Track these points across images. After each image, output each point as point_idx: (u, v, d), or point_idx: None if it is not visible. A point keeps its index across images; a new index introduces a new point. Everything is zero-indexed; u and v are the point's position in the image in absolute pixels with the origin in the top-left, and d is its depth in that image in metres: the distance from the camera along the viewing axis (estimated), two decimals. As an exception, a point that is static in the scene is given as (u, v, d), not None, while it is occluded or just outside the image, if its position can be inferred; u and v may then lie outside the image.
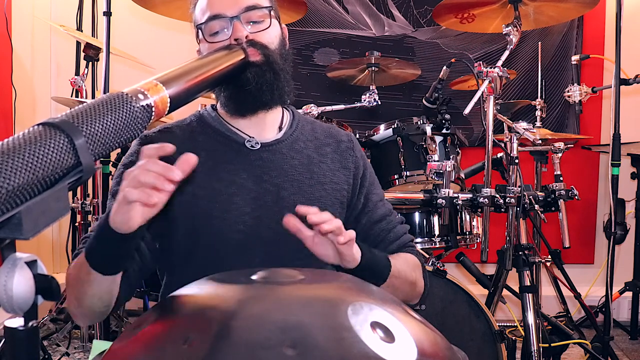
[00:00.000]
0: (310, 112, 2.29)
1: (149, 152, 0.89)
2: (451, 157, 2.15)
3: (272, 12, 1.25)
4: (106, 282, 1.02)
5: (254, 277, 0.80)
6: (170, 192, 0.88)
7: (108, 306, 1.10)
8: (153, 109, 0.87)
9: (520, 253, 2.01)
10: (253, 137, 1.27)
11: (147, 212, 0.89)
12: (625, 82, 2.47)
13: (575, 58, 2.75)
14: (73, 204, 2.79)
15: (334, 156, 1.35)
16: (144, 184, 0.86)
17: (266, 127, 1.29)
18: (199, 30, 1.24)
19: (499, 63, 1.99)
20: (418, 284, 1.31)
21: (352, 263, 1.10)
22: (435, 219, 2.27)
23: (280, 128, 1.32)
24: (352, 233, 1.06)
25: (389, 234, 1.35)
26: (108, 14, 2.31)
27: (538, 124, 2.69)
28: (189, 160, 0.89)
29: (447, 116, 2.14)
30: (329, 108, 2.36)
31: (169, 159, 1.22)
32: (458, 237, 2.25)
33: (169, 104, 0.92)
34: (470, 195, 1.96)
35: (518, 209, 1.95)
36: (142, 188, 0.86)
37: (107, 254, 0.97)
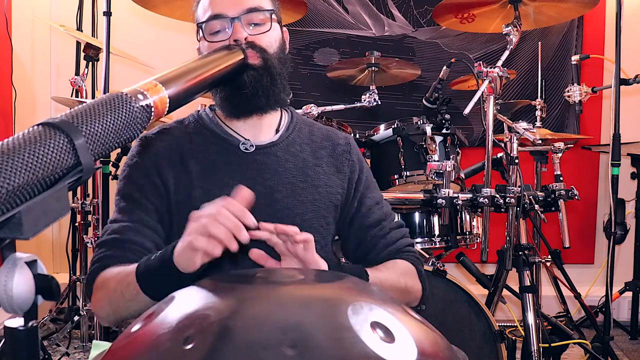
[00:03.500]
0: (310, 112, 2.29)
1: (229, 206, 0.93)
2: (451, 157, 2.15)
3: (273, 16, 1.25)
4: (151, 302, 1.05)
5: (253, 277, 0.80)
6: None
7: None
8: (152, 109, 0.87)
9: (520, 253, 2.01)
10: (248, 140, 1.27)
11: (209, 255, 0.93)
12: (625, 82, 2.47)
13: (575, 58, 2.74)
14: (73, 204, 2.79)
15: (330, 160, 1.35)
16: (212, 236, 0.90)
17: (263, 129, 1.30)
18: (200, 29, 1.25)
19: (499, 63, 1.99)
20: (411, 290, 1.31)
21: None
22: (435, 219, 2.27)
23: (277, 130, 1.32)
24: (308, 235, 1.06)
25: (380, 240, 1.34)
26: (108, 14, 2.31)
27: (538, 124, 2.69)
28: (247, 196, 0.95)
29: (447, 116, 2.14)
30: (329, 108, 2.36)
31: (165, 158, 1.23)
32: (458, 237, 2.25)
33: (168, 104, 0.92)
34: (470, 195, 1.96)
35: (518, 209, 1.95)
36: (210, 239, 0.90)
37: (165, 285, 1.00)
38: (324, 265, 1.09)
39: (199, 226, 0.92)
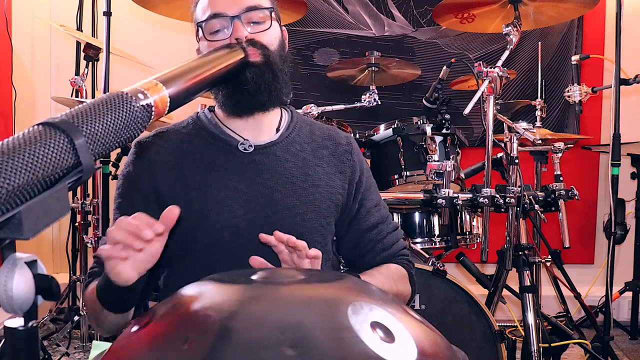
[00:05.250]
0: (310, 112, 2.29)
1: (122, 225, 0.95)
2: (451, 157, 2.15)
3: (272, 14, 1.25)
4: (119, 316, 1.10)
5: (254, 277, 0.80)
6: (157, 242, 0.97)
7: (126, 323, 1.15)
8: (153, 108, 0.87)
9: (520, 253, 2.01)
10: (247, 140, 1.27)
11: (139, 266, 0.97)
12: (625, 82, 2.47)
13: (575, 58, 2.74)
14: (73, 204, 2.79)
15: (331, 159, 1.34)
16: (112, 241, 0.94)
17: (263, 128, 1.29)
18: (199, 28, 1.24)
19: (499, 63, 1.99)
20: (403, 294, 1.33)
21: None
22: (435, 219, 2.27)
23: (278, 130, 1.32)
24: (318, 252, 1.08)
25: (377, 244, 1.35)
26: (108, 14, 2.31)
27: (538, 124, 2.69)
28: (171, 214, 0.95)
29: (447, 116, 2.14)
30: (329, 108, 2.36)
31: (161, 162, 1.23)
32: (458, 237, 2.25)
33: (168, 104, 0.92)
34: (470, 195, 1.96)
35: (518, 209, 1.95)
36: (113, 245, 0.95)
37: (115, 298, 1.05)
38: None
39: (107, 238, 0.96)
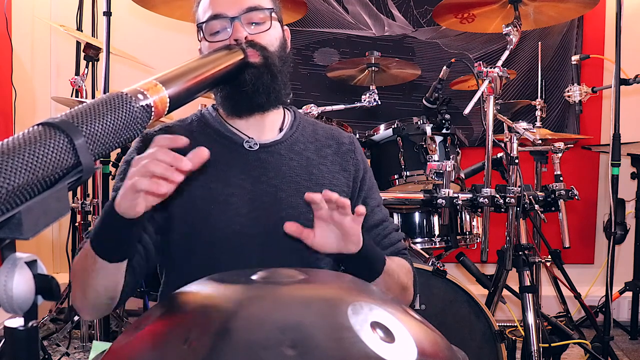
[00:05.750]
0: (310, 112, 2.29)
1: (161, 142, 0.89)
2: (451, 157, 2.15)
3: (273, 14, 1.25)
4: (112, 270, 1.03)
5: (254, 277, 0.80)
6: (178, 182, 0.89)
7: (113, 299, 1.11)
8: (152, 109, 0.87)
9: (520, 253, 2.01)
10: (252, 138, 1.27)
11: (152, 199, 0.90)
12: (625, 82, 2.47)
13: (575, 58, 2.74)
14: (73, 204, 2.79)
15: (335, 158, 1.34)
16: (154, 174, 0.87)
17: (266, 128, 1.29)
18: (200, 29, 1.25)
19: (499, 63, 1.99)
20: (409, 290, 1.32)
21: (357, 245, 1.10)
22: (435, 219, 2.27)
23: (281, 129, 1.32)
24: (362, 208, 1.06)
25: (384, 239, 1.35)
26: (108, 14, 2.31)
27: (538, 124, 2.69)
28: (202, 154, 0.89)
29: (447, 116, 2.14)
30: (329, 108, 2.36)
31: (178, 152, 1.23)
32: (458, 237, 2.25)
33: (168, 104, 0.92)
34: (470, 195, 1.96)
35: (518, 209, 1.95)
36: (152, 178, 0.87)
37: (113, 240, 0.99)
38: (361, 238, 1.10)
39: (138, 169, 0.88)
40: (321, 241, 1.10)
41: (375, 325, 0.66)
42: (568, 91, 2.71)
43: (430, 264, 1.92)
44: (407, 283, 1.31)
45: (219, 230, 1.21)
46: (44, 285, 0.60)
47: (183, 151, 1.24)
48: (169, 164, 0.87)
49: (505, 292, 2.26)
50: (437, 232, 2.27)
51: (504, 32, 2.05)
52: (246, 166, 1.25)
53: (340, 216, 1.06)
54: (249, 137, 1.27)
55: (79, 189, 2.84)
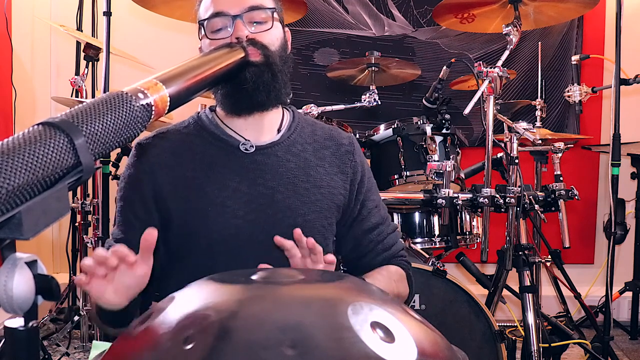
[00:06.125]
0: (310, 112, 2.29)
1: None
2: (451, 157, 2.15)
3: (275, 14, 1.24)
4: (122, 329, 1.10)
5: (254, 277, 0.79)
6: (144, 264, 0.97)
7: None
8: (153, 108, 0.87)
9: (520, 253, 2.00)
10: (248, 140, 1.27)
11: (128, 291, 0.98)
12: (625, 82, 2.46)
13: (575, 58, 2.74)
14: (73, 204, 2.79)
15: (333, 160, 1.34)
16: (89, 270, 0.95)
17: (264, 128, 1.29)
18: (202, 27, 1.25)
19: (499, 63, 1.99)
20: (402, 295, 1.34)
21: None
22: (435, 219, 2.27)
23: (279, 130, 1.32)
24: (331, 257, 1.08)
25: (377, 245, 1.35)
26: (108, 14, 2.31)
27: (538, 124, 2.69)
28: (149, 238, 0.94)
29: (447, 116, 2.14)
30: (329, 108, 2.36)
31: (161, 163, 1.24)
32: (458, 237, 2.25)
33: (168, 103, 0.92)
34: (470, 195, 1.96)
35: (518, 209, 1.95)
36: (87, 278, 0.95)
37: (113, 320, 1.05)
38: None
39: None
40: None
41: (375, 325, 0.66)
42: (568, 91, 2.71)
43: (430, 264, 1.92)
44: (400, 289, 1.32)
45: (216, 233, 1.21)
46: (44, 285, 0.60)
47: (178, 156, 1.25)
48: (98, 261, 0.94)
49: (505, 292, 2.26)
50: (437, 232, 2.27)
51: (504, 32, 2.05)
52: (242, 169, 1.25)
53: (314, 264, 1.07)
54: (246, 140, 1.27)
55: (79, 189, 2.84)
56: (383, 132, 2.25)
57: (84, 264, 0.94)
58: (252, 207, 1.23)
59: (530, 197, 1.98)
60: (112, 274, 0.96)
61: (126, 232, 1.25)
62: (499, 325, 1.85)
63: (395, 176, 2.21)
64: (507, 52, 2.02)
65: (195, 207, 1.21)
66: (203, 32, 1.24)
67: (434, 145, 2.09)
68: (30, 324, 0.60)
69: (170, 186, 1.23)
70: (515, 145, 1.99)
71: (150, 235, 0.94)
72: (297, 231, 1.05)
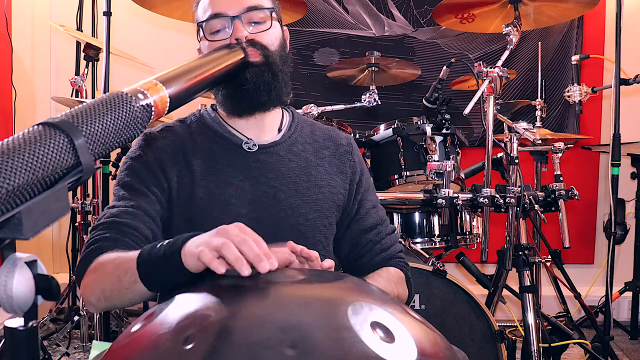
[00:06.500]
0: (310, 112, 2.29)
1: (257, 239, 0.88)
2: (451, 157, 2.15)
3: (273, 14, 1.25)
4: (147, 294, 1.01)
5: (254, 277, 0.80)
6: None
7: (132, 304, 1.09)
8: (153, 108, 0.87)
9: (520, 253, 2.00)
10: (251, 139, 1.27)
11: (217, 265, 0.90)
12: (625, 82, 2.46)
13: (575, 58, 2.74)
14: (73, 204, 2.79)
15: (332, 160, 1.35)
16: (242, 252, 0.83)
17: (265, 128, 1.29)
18: (200, 28, 1.25)
19: (499, 63, 1.99)
20: (401, 297, 1.33)
21: None
22: (435, 219, 2.27)
23: (279, 130, 1.32)
24: (332, 263, 1.04)
25: (375, 245, 1.35)
26: (108, 14, 2.31)
27: (538, 124, 2.69)
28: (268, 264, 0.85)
29: (447, 116, 2.14)
30: (329, 108, 2.36)
31: (169, 155, 1.23)
32: (458, 237, 2.25)
33: (168, 104, 0.92)
34: (470, 195, 1.96)
35: (518, 209, 1.95)
36: (238, 256, 0.83)
37: (166, 278, 0.96)
38: None
39: (216, 244, 0.86)
40: None
41: (375, 325, 0.66)
42: (568, 91, 2.71)
43: (430, 264, 1.92)
44: (399, 291, 1.32)
45: None
46: (44, 285, 0.60)
47: (184, 151, 1.25)
48: (258, 255, 0.83)
49: (505, 292, 2.26)
50: (437, 232, 2.27)
51: (504, 32, 2.05)
52: (245, 167, 1.25)
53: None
54: (248, 138, 1.27)
55: (79, 189, 2.84)
56: (383, 132, 2.25)
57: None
58: (256, 206, 1.23)
59: (530, 197, 1.98)
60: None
61: (139, 201, 1.17)
62: (499, 325, 1.85)
63: (395, 176, 2.20)
64: (507, 52, 2.02)
65: (199, 203, 1.21)
66: (202, 34, 1.24)
67: (434, 145, 2.09)
68: (30, 324, 0.60)
69: (176, 179, 1.22)
70: (515, 145, 1.99)
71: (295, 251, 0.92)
72: (290, 243, 1.00)
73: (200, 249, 0.86)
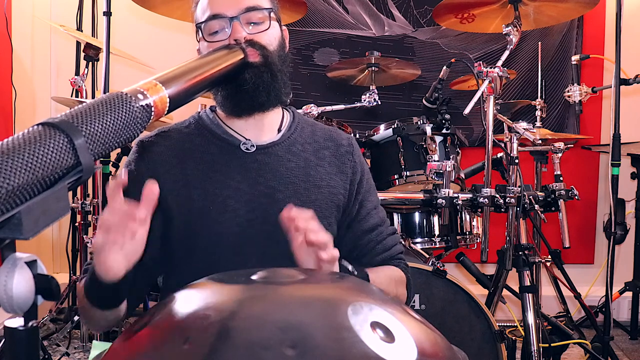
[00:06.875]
0: (310, 112, 2.29)
1: (110, 193, 0.96)
2: (451, 157, 2.15)
3: (272, 14, 1.25)
4: (109, 312, 1.09)
5: (253, 277, 0.80)
6: (142, 227, 0.95)
7: (118, 319, 1.15)
8: (152, 108, 0.87)
9: (520, 253, 2.01)
10: (249, 140, 1.27)
11: (128, 257, 0.96)
12: (625, 82, 2.46)
13: (575, 58, 2.74)
14: (73, 204, 2.79)
15: (332, 160, 1.34)
16: (108, 228, 0.93)
17: (264, 128, 1.29)
18: (199, 29, 1.25)
19: (499, 63, 1.99)
20: (400, 298, 1.33)
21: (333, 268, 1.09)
22: (435, 219, 2.27)
23: (279, 130, 1.32)
24: (335, 252, 1.05)
25: (377, 245, 1.35)
26: (108, 14, 2.31)
27: (538, 124, 2.69)
28: (150, 193, 0.94)
29: (447, 116, 2.14)
30: (329, 108, 2.36)
31: (163, 162, 1.23)
32: (458, 237, 2.25)
33: (168, 104, 0.92)
34: (470, 195, 1.96)
35: (518, 209, 1.95)
36: (106, 234, 0.93)
37: (103, 297, 1.04)
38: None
39: (97, 229, 0.95)
40: (302, 256, 1.07)
41: (375, 325, 0.66)
42: (568, 91, 2.71)
43: (430, 264, 1.92)
44: (399, 291, 1.32)
45: (218, 232, 1.21)
46: (44, 285, 0.60)
47: (179, 156, 1.25)
48: (122, 214, 0.93)
49: (505, 292, 2.26)
50: (437, 232, 2.27)
51: (504, 32, 2.05)
52: (243, 168, 1.25)
53: (317, 250, 1.04)
54: (246, 139, 1.27)
55: (79, 189, 2.84)
56: (383, 132, 2.25)
57: (108, 219, 0.93)
58: (253, 207, 1.23)
59: (530, 197, 1.98)
60: (121, 238, 0.94)
61: None
62: (499, 325, 1.85)
63: (395, 176, 2.20)
64: (507, 52, 2.02)
65: (197, 205, 1.21)
66: (201, 35, 1.24)
67: (434, 145, 2.09)
68: (30, 324, 0.60)
69: (172, 184, 1.23)
70: (515, 145, 1.99)
71: (151, 189, 0.94)
72: (292, 211, 1.04)
73: (93, 246, 0.96)
